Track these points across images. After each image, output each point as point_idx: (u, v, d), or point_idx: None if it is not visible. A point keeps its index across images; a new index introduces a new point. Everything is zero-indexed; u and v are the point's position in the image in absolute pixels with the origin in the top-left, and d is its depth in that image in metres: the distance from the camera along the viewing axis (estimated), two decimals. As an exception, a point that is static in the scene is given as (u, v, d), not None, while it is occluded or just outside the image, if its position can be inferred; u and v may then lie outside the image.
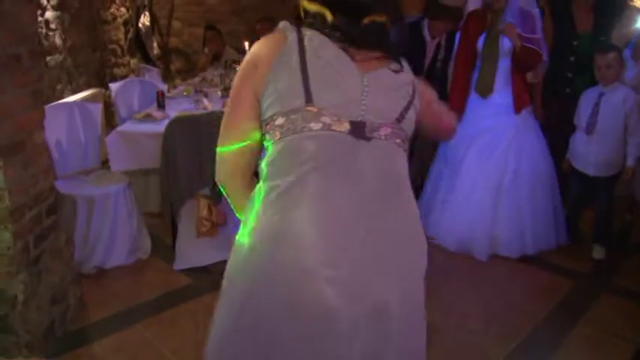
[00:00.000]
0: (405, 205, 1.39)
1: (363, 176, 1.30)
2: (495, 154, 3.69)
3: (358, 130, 1.31)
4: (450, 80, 3.98)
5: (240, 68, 1.40)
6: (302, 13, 1.45)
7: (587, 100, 3.73)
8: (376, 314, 1.28)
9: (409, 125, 1.41)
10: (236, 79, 1.40)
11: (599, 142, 3.65)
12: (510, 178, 3.66)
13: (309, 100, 1.28)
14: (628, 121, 3.57)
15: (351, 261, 1.26)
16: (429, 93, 1.58)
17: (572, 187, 3.92)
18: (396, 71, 1.40)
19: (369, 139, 1.31)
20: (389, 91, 1.37)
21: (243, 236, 1.36)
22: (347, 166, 1.30)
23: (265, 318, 1.30)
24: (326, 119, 1.29)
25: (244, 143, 1.40)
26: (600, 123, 3.63)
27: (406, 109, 1.39)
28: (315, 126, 1.28)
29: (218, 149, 1.45)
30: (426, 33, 4.15)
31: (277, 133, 1.31)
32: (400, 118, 1.37)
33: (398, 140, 1.37)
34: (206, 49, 6.28)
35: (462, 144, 3.75)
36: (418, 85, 1.47)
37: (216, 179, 1.49)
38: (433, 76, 4.14)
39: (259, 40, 1.39)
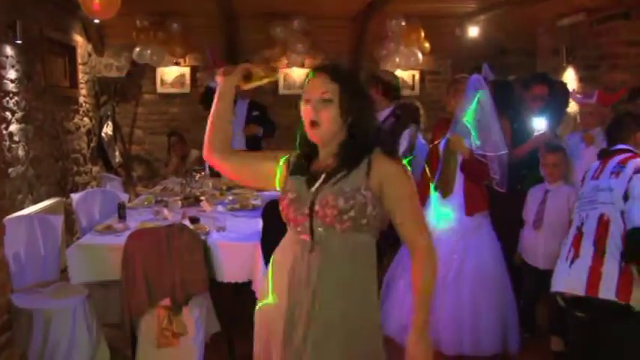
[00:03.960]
0: None
1: None
2: (442, 251, 3.77)
3: None
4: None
5: None
6: None
7: (533, 196, 3.96)
8: None
9: None
10: None
11: (546, 236, 3.83)
12: (453, 276, 3.73)
13: None
14: (571, 216, 3.77)
15: None
16: None
17: (525, 281, 4.04)
18: None
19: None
20: None
21: None
22: None
23: None
24: None
25: None
26: (546, 218, 3.83)
27: None
28: None
29: None
30: None
31: None
32: None
33: None
34: (173, 156, 6.50)
35: None
36: None
37: None
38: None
39: None
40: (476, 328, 3.72)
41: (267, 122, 6.00)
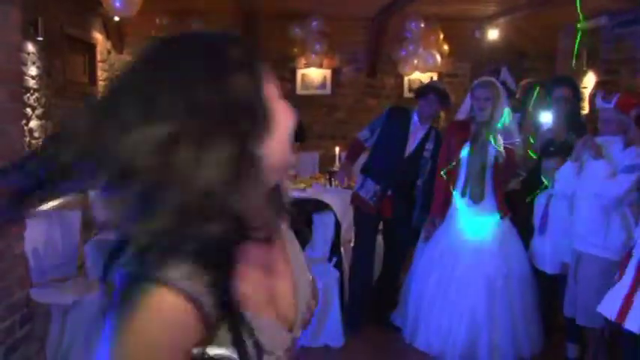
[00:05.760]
0: None
1: None
2: (486, 260, 3.77)
3: None
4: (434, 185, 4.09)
5: None
6: None
7: (539, 202, 3.91)
8: None
9: None
10: None
11: (551, 241, 3.79)
12: (502, 284, 3.74)
13: None
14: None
15: None
16: None
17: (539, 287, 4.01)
18: None
19: None
20: None
21: None
22: None
23: None
24: None
25: None
26: (550, 223, 3.79)
27: None
28: None
29: None
30: (414, 120, 4.23)
31: None
32: None
33: None
34: None
35: (452, 250, 3.86)
36: None
37: None
38: (417, 160, 4.20)
39: None
40: (529, 330, 3.79)
41: (302, 132, 6.01)
